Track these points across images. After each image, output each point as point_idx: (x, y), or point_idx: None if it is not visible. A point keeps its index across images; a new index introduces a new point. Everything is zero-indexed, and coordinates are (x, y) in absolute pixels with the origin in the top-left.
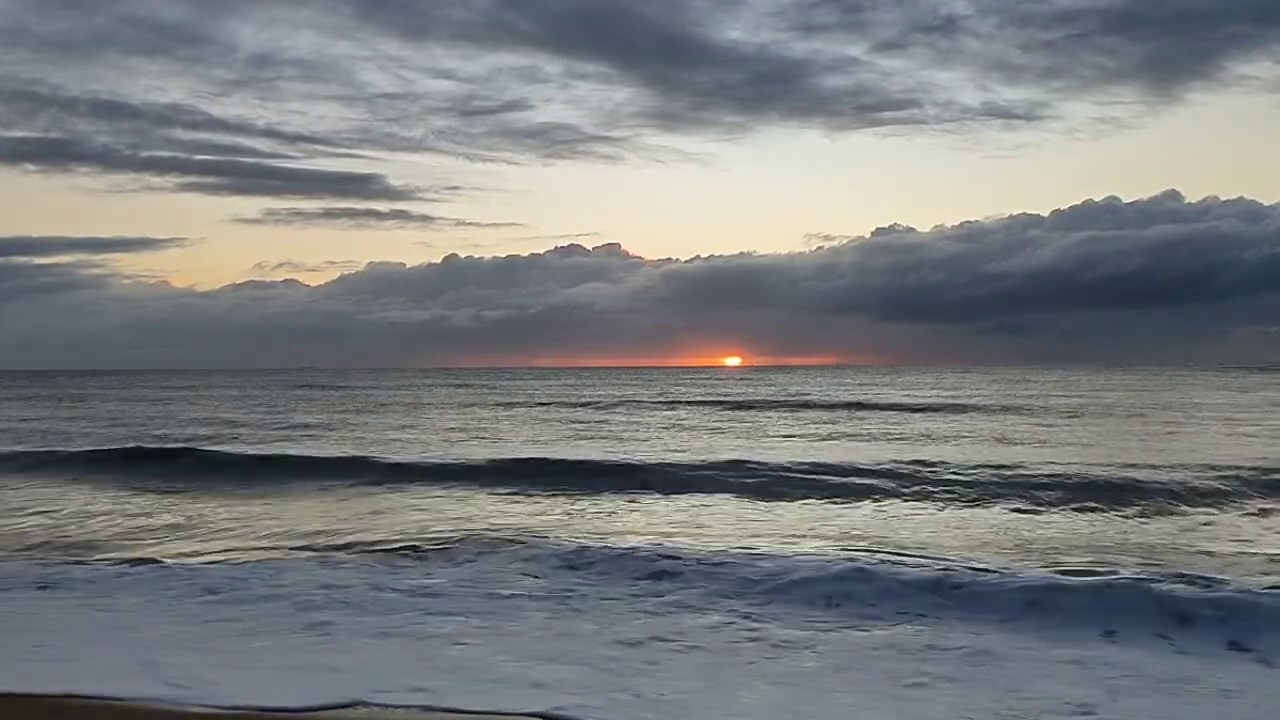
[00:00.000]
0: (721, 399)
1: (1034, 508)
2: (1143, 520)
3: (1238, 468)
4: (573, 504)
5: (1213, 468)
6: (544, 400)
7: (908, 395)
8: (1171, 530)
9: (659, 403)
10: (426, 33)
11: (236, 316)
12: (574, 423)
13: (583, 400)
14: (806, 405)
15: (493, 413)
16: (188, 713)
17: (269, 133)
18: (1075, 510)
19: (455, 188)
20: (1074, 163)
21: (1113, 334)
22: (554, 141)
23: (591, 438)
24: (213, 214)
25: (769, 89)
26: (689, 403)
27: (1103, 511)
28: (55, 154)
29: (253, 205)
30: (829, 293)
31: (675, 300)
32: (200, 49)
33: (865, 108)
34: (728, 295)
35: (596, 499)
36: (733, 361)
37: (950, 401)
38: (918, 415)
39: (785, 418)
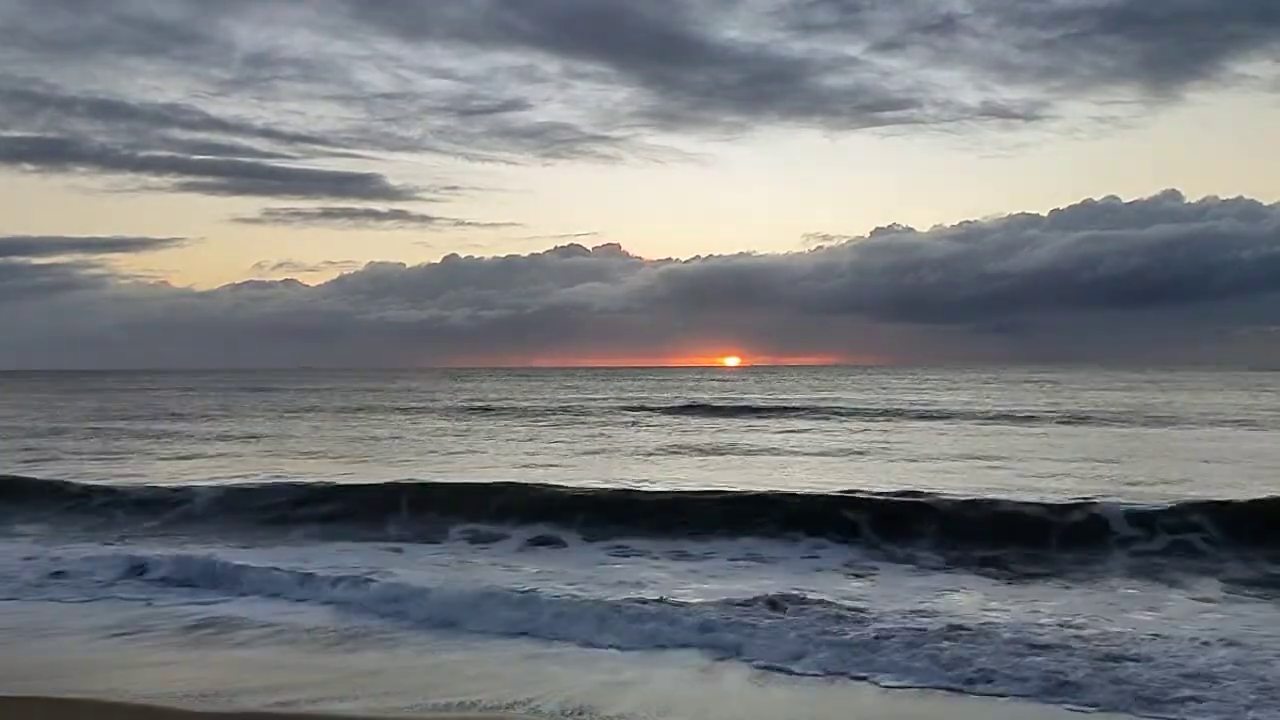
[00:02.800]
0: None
1: None
2: None
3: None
4: None
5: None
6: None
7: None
8: None
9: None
10: (424, 32)
11: (235, 316)
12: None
13: (496, 406)
14: (646, 408)
15: (353, 420)
16: (188, 712)
17: (267, 132)
18: None
19: (454, 188)
20: (1073, 162)
21: (1112, 333)
22: (553, 141)
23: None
24: (211, 214)
25: (767, 89)
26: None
27: None
28: (53, 154)
29: (251, 205)
30: (828, 292)
31: (674, 300)
32: (197, 48)
33: (864, 107)
34: (726, 295)
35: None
36: (732, 361)
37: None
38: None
39: (622, 423)
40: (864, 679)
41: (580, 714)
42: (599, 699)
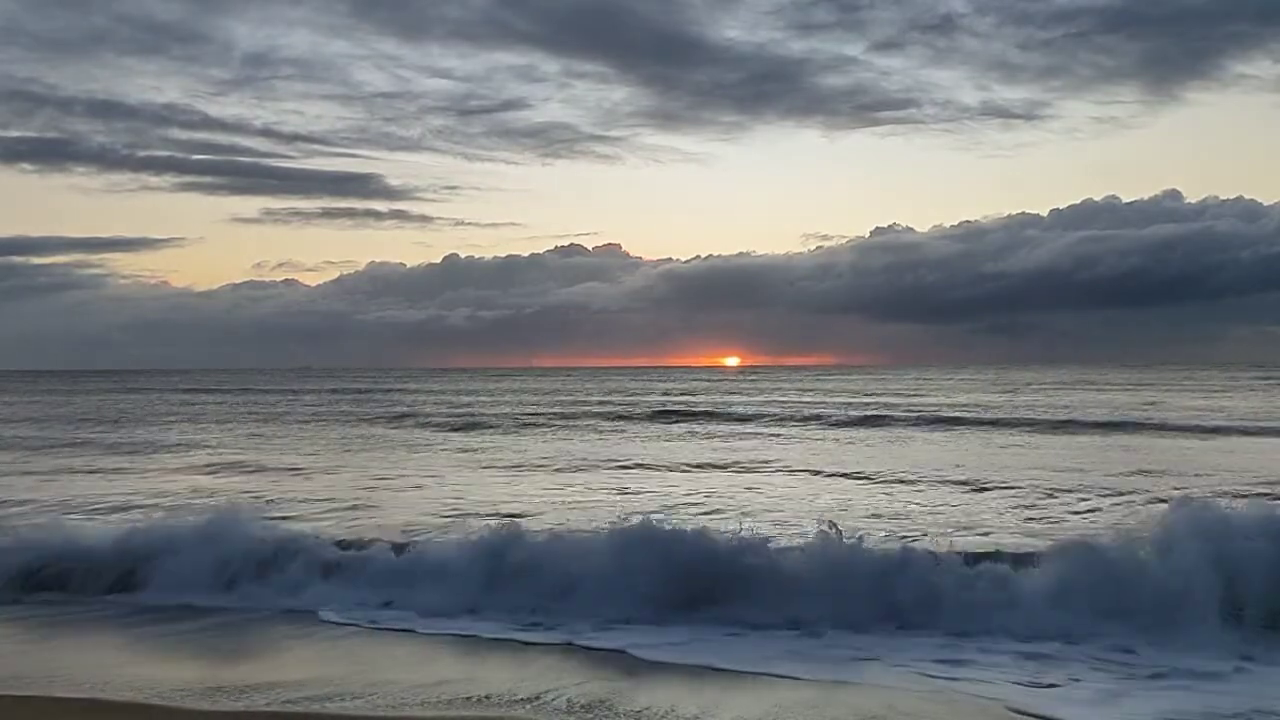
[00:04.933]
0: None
1: None
2: None
3: None
4: None
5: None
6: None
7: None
8: None
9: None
10: (423, 31)
11: (235, 316)
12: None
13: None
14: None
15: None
16: (189, 710)
17: (266, 132)
18: None
19: (454, 187)
20: (1073, 162)
21: (1111, 333)
22: (552, 141)
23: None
24: (211, 213)
25: (767, 88)
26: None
27: None
28: (52, 153)
29: (251, 205)
30: (827, 292)
31: (674, 300)
32: (196, 48)
33: (863, 107)
34: (726, 295)
35: None
36: (731, 361)
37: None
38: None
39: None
40: None
41: (588, 711)
42: (606, 697)
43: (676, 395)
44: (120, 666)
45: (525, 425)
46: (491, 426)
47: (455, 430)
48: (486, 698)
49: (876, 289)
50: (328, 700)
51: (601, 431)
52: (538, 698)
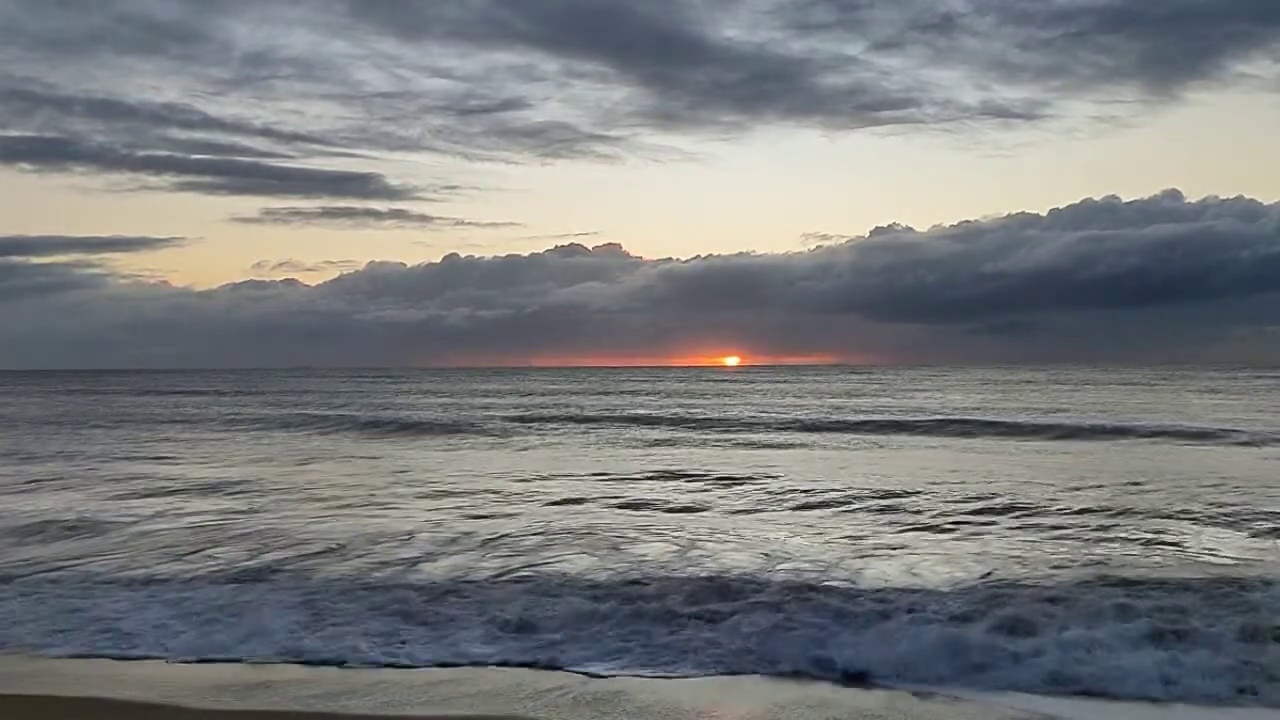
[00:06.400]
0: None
1: None
2: None
3: None
4: None
5: None
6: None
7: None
8: None
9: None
10: (422, 31)
11: (235, 316)
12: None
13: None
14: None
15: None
16: (190, 710)
17: (266, 132)
18: None
19: (454, 187)
20: (1073, 162)
21: (1111, 333)
22: (552, 141)
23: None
24: (210, 213)
25: (766, 88)
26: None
27: None
28: (51, 153)
29: (251, 205)
30: (826, 292)
31: (674, 299)
32: (195, 48)
33: (863, 107)
34: (726, 294)
35: None
36: (731, 361)
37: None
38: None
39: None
40: None
41: (592, 709)
42: (610, 695)
43: (647, 396)
44: (121, 665)
45: (457, 432)
46: (471, 430)
47: (433, 434)
48: (490, 695)
49: (876, 289)
50: (329, 699)
51: (557, 436)
52: (541, 696)
